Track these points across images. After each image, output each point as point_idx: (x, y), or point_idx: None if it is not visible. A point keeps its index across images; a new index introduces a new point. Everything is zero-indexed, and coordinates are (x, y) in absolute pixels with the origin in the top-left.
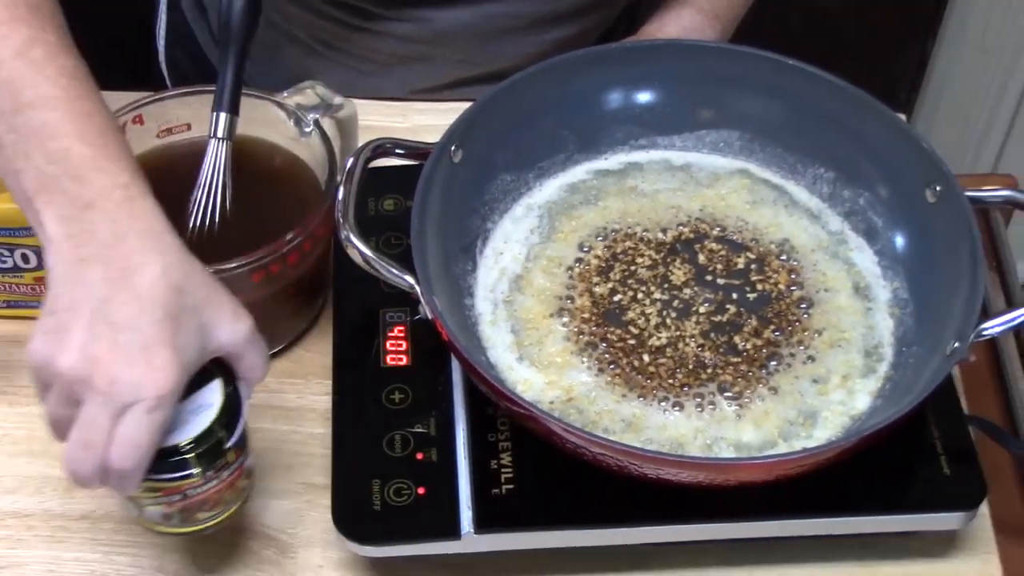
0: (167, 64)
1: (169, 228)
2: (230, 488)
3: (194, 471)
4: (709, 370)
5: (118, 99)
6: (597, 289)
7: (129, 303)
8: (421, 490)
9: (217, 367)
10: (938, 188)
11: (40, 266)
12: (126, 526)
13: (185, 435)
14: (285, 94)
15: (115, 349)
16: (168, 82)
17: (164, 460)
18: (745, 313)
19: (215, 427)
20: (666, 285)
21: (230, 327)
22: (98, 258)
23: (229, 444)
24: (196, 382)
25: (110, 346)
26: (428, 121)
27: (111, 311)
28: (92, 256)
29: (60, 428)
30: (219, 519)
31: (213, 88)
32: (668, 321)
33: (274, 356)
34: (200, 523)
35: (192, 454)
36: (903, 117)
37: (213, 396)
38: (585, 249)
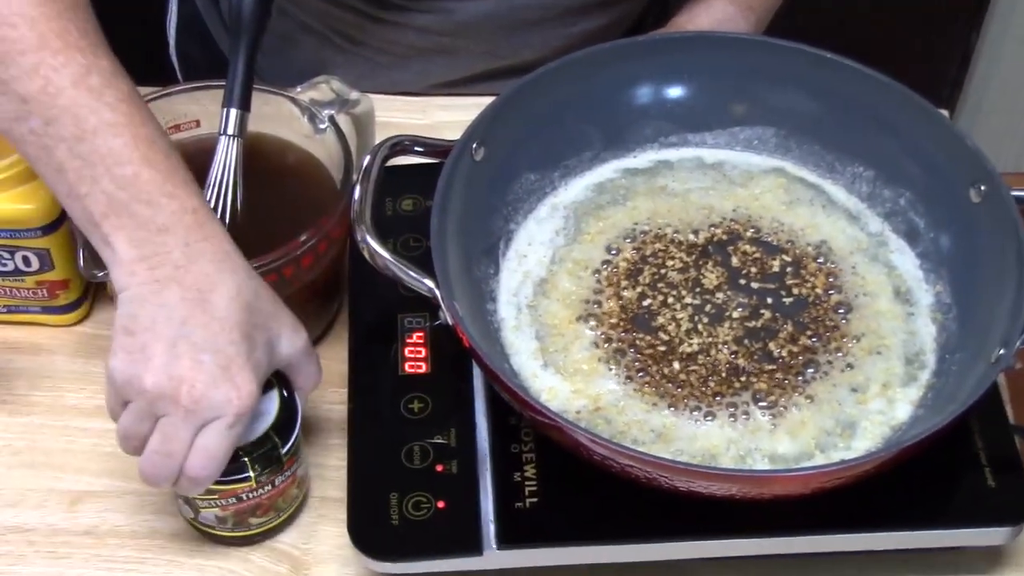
0: (178, 56)
1: (235, 248)
2: (282, 495)
3: (250, 475)
4: (743, 378)
5: None
6: (625, 293)
7: (207, 324)
8: (441, 504)
9: (275, 378)
10: (983, 187)
11: (42, 269)
12: (131, 542)
13: (243, 440)
14: (299, 89)
15: (198, 369)
16: (179, 75)
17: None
18: (780, 318)
19: (271, 433)
20: (698, 289)
21: (290, 340)
22: (174, 279)
23: (284, 450)
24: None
25: (192, 365)
26: (449, 117)
27: (190, 331)
28: (168, 277)
29: (132, 441)
30: (271, 525)
31: (223, 83)
32: (700, 327)
33: None
34: (252, 528)
35: (248, 458)
36: (946, 113)
37: (270, 404)
38: (613, 251)
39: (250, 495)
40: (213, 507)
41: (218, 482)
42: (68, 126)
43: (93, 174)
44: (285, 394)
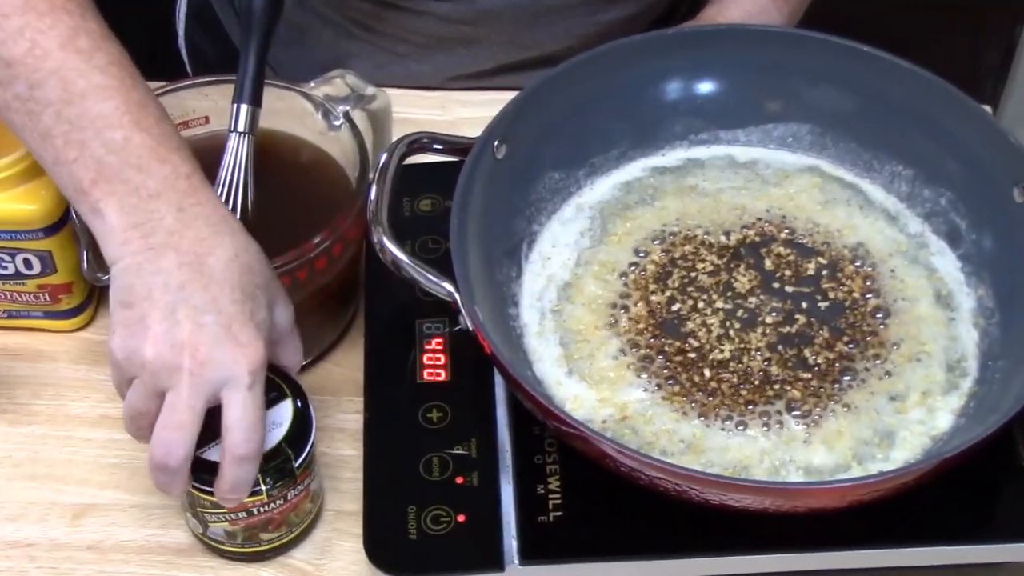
0: (187, 48)
1: (229, 212)
2: (295, 510)
3: (261, 488)
4: (776, 386)
5: None
6: (654, 297)
7: (207, 286)
8: (461, 517)
9: (288, 386)
10: None
11: (44, 272)
12: (137, 557)
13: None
14: (312, 84)
15: (201, 331)
16: (188, 68)
17: None
18: (816, 324)
19: (284, 445)
20: (729, 293)
21: (283, 309)
22: (169, 245)
23: (297, 463)
24: (267, 401)
25: (194, 329)
26: (469, 113)
27: (189, 296)
28: (162, 244)
29: (141, 422)
30: (283, 541)
31: (233, 77)
32: (731, 333)
33: (301, 370)
34: (263, 544)
35: (260, 471)
36: (988, 109)
37: (283, 415)
38: (641, 254)
39: (261, 509)
40: (222, 521)
41: None
42: (55, 90)
43: (82, 138)
44: (299, 404)
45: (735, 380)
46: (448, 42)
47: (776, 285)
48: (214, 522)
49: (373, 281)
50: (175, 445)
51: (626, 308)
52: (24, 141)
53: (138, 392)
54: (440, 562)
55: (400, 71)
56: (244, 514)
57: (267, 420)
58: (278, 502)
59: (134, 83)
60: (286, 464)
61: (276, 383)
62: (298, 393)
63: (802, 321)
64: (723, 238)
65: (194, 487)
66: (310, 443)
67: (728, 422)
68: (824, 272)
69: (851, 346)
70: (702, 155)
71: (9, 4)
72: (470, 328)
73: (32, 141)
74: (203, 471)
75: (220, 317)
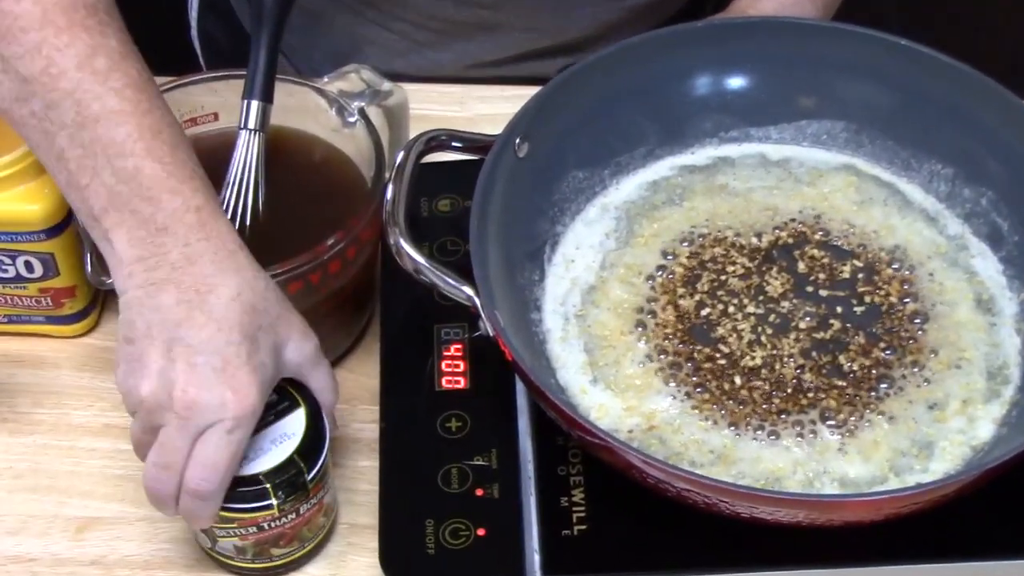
0: (200, 37)
1: (242, 245)
2: (308, 524)
3: (272, 502)
4: (810, 394)
5: None
6: (682, 302)
7: (205, 325)
8: (481, 531)
9: (301, 397)
10: None
11: (46, 275)
12: (143, 573)
13: (264, 465)
14: (326, 79)
15: (192, 372)
16: (200, 58)
17: (242, 489)
18: (851, 329)
19: (295, 458)
20: (761, 297)
21: (297, 347)
22: (171, 281)
23: (310, 476)
24: (279, 410)
25: (187, 369)
26: (489, 110)
27: (187, 334)
28: (164, 279)
29: (143, 450)
30: (294, 556)
31: (244, 72)
32: (763, 338)
33: None
34: (274, 560)
35: (270, 484)
36: None
37: (295, 427)
38: (668, 256)
39: (272, 524)
40: (232, 536)
41: (237, 510)
42: (69, 111)
43: (94, 165)
44: (312, 415)
45: (767, 388)
46: (467, 28)
47: (810, 289)
48: (223, 537)
49: (389, 285)
50: (163, 484)
51: (653, 313)
52: (40, 159)
53: (139, 426)
54: None
55: (418, 59)
56: (254, 529)
57: (276, 432)
58: (290, 516)
59: (150, 106)
60: (298, 477)
61: (288, 392)
62: (311, 402)
63: (837, 326)
64: (754, 240)
65: None
66: (323, 455)
67: (760, 432)
68: (860, 275)
69: (888, 353)
70: (732, 153)
71: (28, 17)
72: (490, 334)
73: (48, 161)
74: None
75: (213, 359)
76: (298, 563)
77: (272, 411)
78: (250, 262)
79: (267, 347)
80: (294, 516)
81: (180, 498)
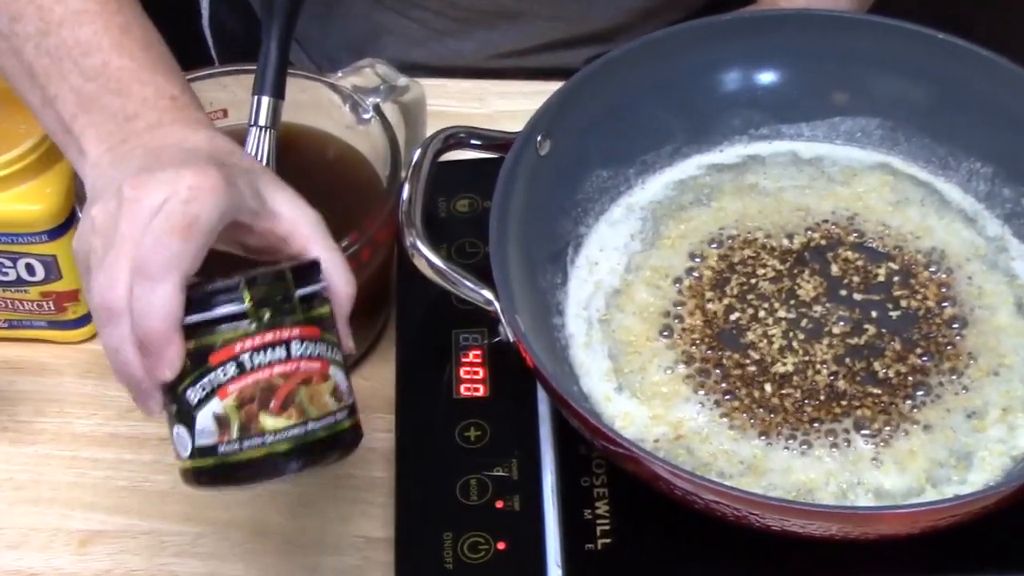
0: (212, 27)
1: (223, 135)
2: (307, 384)
3: (246, 307)
4: (844, 402)
5: None
6: (710, 306)
7: (170, 152)
8: (501, 545)
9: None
10: None
11: (48, 279)
12: None
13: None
14: (340, 74)
15: (149, 171)
16: (212, 48)
17: (213, 296)
18: (887, 335)
19: (285, 272)
20: (792, 301)
21: (291, 202)
22: (139, 145)
23: (300, 294)
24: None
25: (145, 171)
26: (510, 106)
27: (149, 164)
28: (131, 149)
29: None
30: (294, 436)
31: (254, 67)
32: (795, 344)
33: None
34: (269, 440)
35: (248, 288)
36: None
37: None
38: (696, 258)
39: (254, 357)
40: (208, 394)
41: (204, 327)
42: (33, 20)
43: (61, 70)
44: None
45: (799, 396)
46: (488, 16)
47: (843, 293)
48: (197, 400)
49: (405, 288)
50: (113, 285)
51: (680, 317)
52: (16, 90)
53: (95, 268)
54: None
55: (438, 48)
56: (234, 367)
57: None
58: (279, 351)
59: (119, 7)
60: (284, 293)
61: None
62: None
63: (872, 332)
64: (786, 241)
65: None
66: (319, 285)
67: (791, 441)
68: (896, 279)
69: (925, 359)
70: (763, 151)
71: None
72: (511, 339)
73: (22, 84)
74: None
75: (176, 162)
76: (307, 454)
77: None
78: (232, 141)
79: (245, 179)
80: (283, 353)
81: (132, 291)
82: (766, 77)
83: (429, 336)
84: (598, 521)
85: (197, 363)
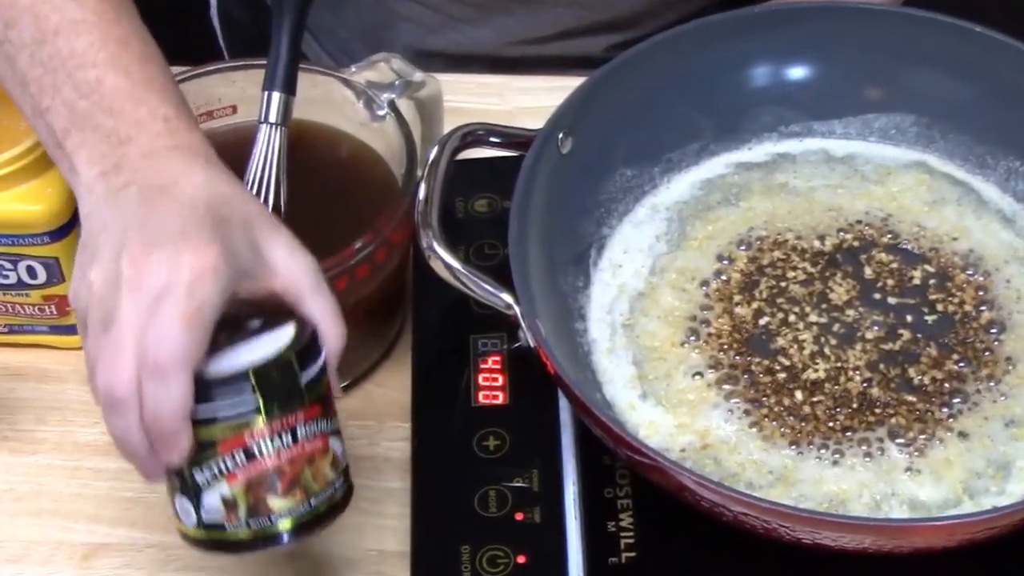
0: (220, 18)
1: (217, 160)
2: (310, 463)
3: (257, 403)
4: (877, 410)
5: None
6: (739, 310)
7: (168, 208)
8: (521, 558)
9: (283, 314)
10: None
11: (50, 282)
12: None
13: (248, 357)
14: (353, 69)
15: (148, 246)
16: (221, 41)
17: (219, 388)
18: (922, 340)
19: (286, 352)
20: (824, 305)
21: (287, 254)
22: (133, 181)
23: (305, 380)
24: (265, 324)
25: (143, 245)
26: (530, 102)
27: (145, 218)
28: (125, 183)
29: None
30: (299, 515)
31: (264, 61)
32: (827, 350)
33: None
34: (275, 520)
35: (256, 380)
36: None
37: (285, 331)
38: (724, 260)
39: (263, 446)
40: (215, 476)
41: (215, 420)
42: (29, 28)
43: (55, 82)
44: (305, 327)
45: (831, 403)
46: (507, 4)
47: (877, 296)
48: (206, 482)
49: (421, 292)
50: (116, 367)
51: (707, 322)
52: (11, 96)
53: (91, 330)
54: None
55: (454, 35)
56: (243, 456)
57: (263, 334)
58: (285, 437)
59: (117, 17)
60: (291, 379)
61: (263, 312)
62: (296, 319)
63: (907, 337)
64: (817, 243)
65: None
66: (321, 360)
67: (823, 451)
68: (931, 281)
69: (962, 365)
70: (793, 149)
71: None
72: (531, 345)
73: (15, 92)
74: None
75: (172, 228)
76: (306, 529)
77: (256, 326)
78: (224, 168)
79: (242, 238)
80: (289, 438)
81: (142, 391)
82: (797, 72)
83: (446, 341)
84: (622, 534)
85: (205, 448)
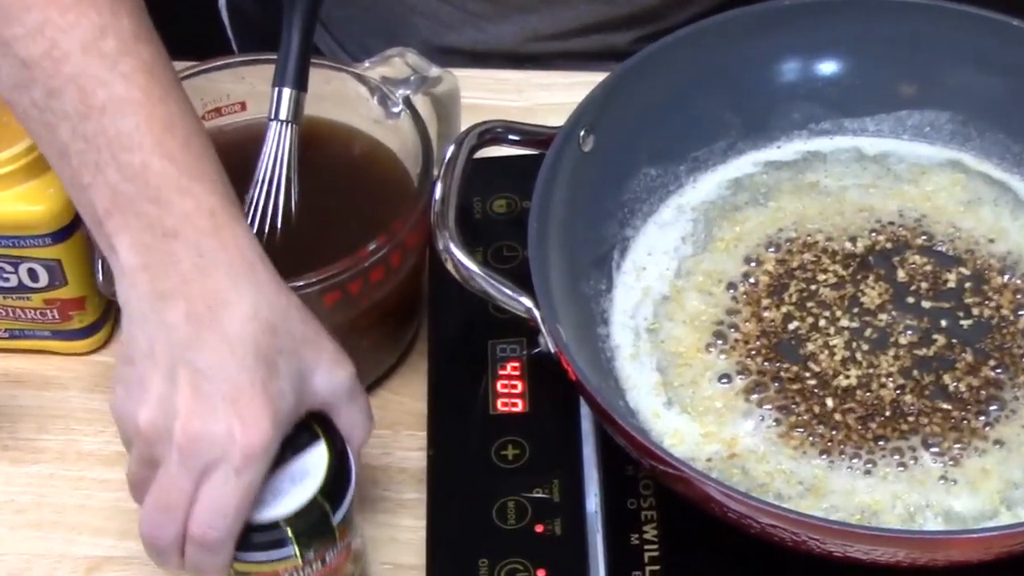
0: (229, 12)
1: (262, 257)
2: (335, 575)
3: (293, 551)
4: (911, 418)
5: None
6: (767, 314)
7: (215, 346)
8: (541, 572)
9: (322, 428)
10: None
11: (52, 285)
12: None
13: (283, 508)
14: (367, 64)
15: (197, 400)
16: (230, 34)
17: (258, 538)
18: (957, 345)
19: (319, 499)
20: (856, 310)
21: (328, 373)
22: (180, 294)
23: (336, 519)
24: (298, 444)
25: (191, 396)
26: (551, 98)
27: (194, 356)
28: (173, 291)
29: (140, 491)
30: None
31: (274, 56)
32: (858, 356)
33: None
34: None
35: (291, 530)
36: None
37: (317, 462)
38: (752, 263)
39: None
40: None
41: (253, 561)
42: (73, 100)
43: (97, 160)
44: (335, 449)
45: (863, 411)
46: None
47: (911, 300)
48: None
49: (438, 295)
50: (162, 530)
51: (735, 326)
52: (44, 154)
53: (136, 459)
54: None
55: (473, 32)
56: None
57: (295, 469)
58: (315, 566)
59: (163, 95)
60: (322, 522)
61: (305, 423)
62: (333, 434)
63: (941, 342)
64: (848, 245)
65: None
66: (350, 494)
67: (855, 460)
68: (967, 285)
69: (999, 371)
70: (824, 147)
71: None
72: (552, 350)
73: (51, 157)
74: None
75: (223, 386)
76: None
77: (289, 446)
78: (271, 276)
79: (288, 374)
80: (320, 566)
81: (185, 549)
82: (828, 67)
83: (463, 347)
84: (646, 546)
85: (241, 575)
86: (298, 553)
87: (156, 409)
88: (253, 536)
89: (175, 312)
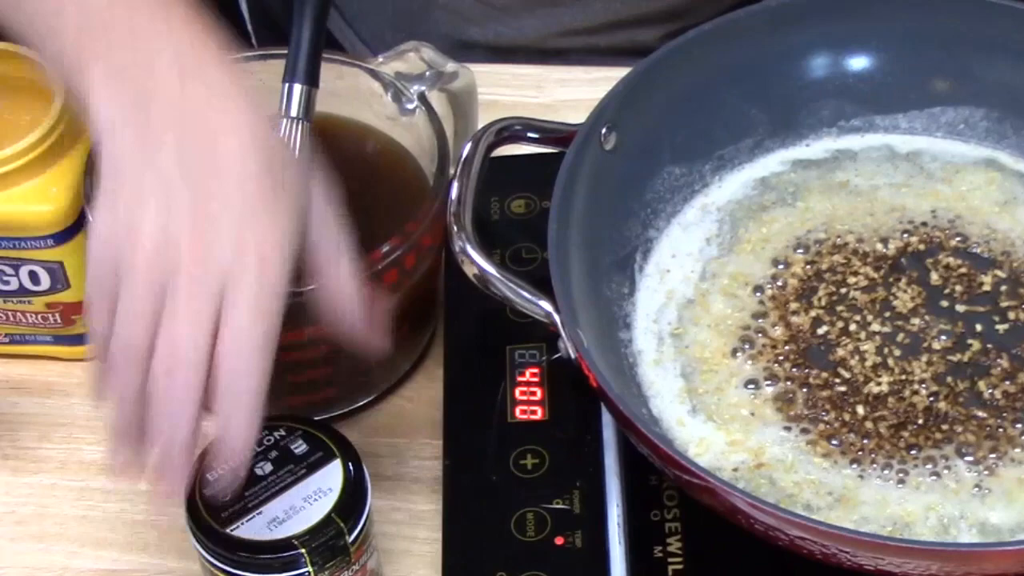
0: (248, 4)
1: (238, 70)
2: None
3: (308, 571)
4: (945, 427)
5: None
6: (795, 318)
7: (218, 168)
8: None
9: (337, 447)
10: None
11: (54, 288)
12: None
13: (298, 526)
14: (381, 59)
15: (205, 220)
16: (248, 25)
17: (272, 556)
18: (993, 350)
19: (334, 517)
20: (887, 314)
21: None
22: (168, 125)
23: (351, 538)
24: (311, 464)
25: (197, 215)
26: (571, 95)
27: (195, 180)
28: (161, 123)
29: (124, 354)
30: None
31: (284, 51)
32: (890, 361)
33: (366, 408)
34: None
35: (305, 549)
36: None
37: (331, 480)
38: (779, 265)
39: None
40: None
41: None
42: None
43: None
44: (350, 466)
45: (895, 419)
46: None
47: (944, 304)
48: None
49: (454, 298)
50: (185, 380)
51: (762, 331)
52: (13, 25)
53: (127, 310)
54: None
55: (496, 27)
56: None
57: (309, 488)
58: None
59: None
60: (337, 540)
61: (319, 440)
62: (348, 451)
63: (976, 347)
64: (880, 246)
65: (222, 571)
66: (366, 512)
67: (886, 470)
68: (1003, 288)
69: None
70: (854, 145)
71: None
72: (572, 356)
73: (21, 23)
74: (233, 549)
75: (233, 200)
76: None
77: (304, 463)
78: (251, 90)
79: (294, 191)
80: None
81: (217, 387)
82: (858, 62)
83: (480, 352)
84: (670, 559)
85: None
86: (312, 572)
87: (158, 236)
88: (267, 555)
89: (167, 138)
